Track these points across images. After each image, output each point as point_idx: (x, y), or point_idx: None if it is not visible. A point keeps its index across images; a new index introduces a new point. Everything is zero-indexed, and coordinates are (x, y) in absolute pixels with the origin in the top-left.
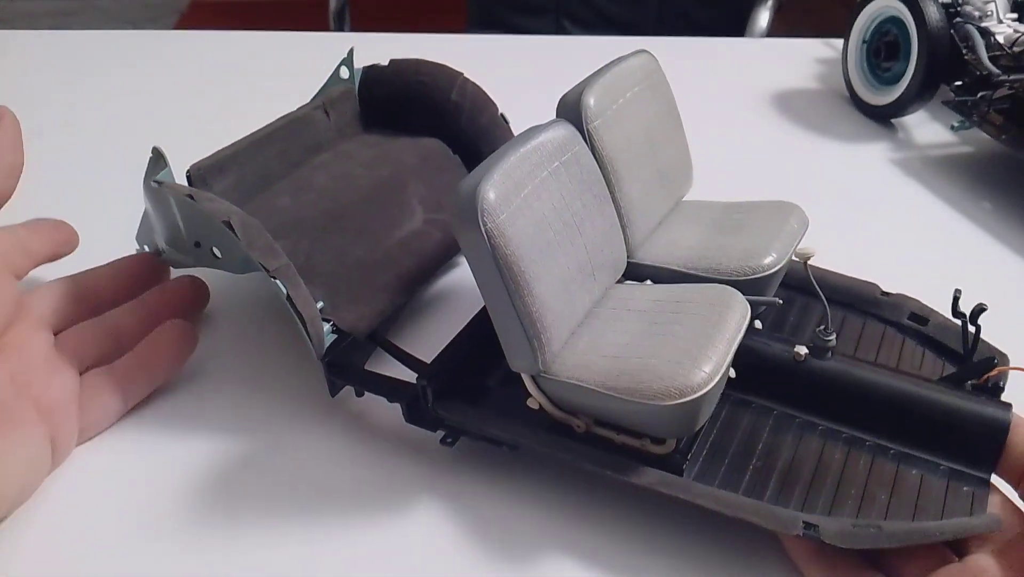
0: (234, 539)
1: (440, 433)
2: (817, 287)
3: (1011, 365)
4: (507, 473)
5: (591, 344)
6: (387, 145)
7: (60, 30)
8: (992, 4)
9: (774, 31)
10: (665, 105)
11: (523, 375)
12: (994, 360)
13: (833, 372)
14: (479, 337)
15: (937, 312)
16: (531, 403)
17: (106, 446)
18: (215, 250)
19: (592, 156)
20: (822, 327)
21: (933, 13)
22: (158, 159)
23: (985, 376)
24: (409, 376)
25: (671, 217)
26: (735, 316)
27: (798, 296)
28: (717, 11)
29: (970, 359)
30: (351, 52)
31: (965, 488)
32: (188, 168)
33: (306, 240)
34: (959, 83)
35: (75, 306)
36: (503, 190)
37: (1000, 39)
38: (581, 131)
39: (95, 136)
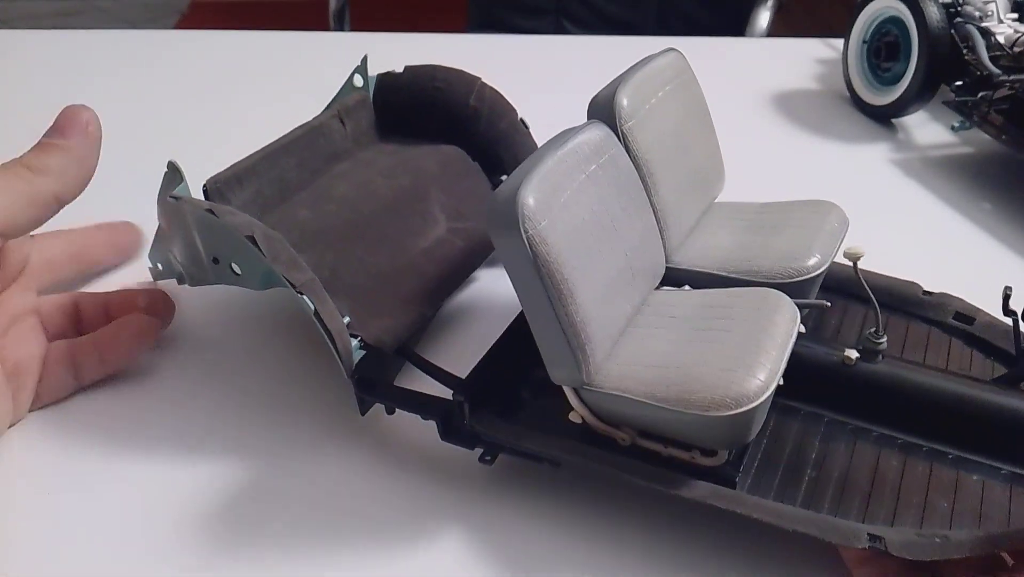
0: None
1: (477, 451)
2: (868, 288)
3: None
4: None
5: (635, 353)
6: (405, 153)
7: (60, 30)
8: (992, 4)
9: (774, 31)
10: (695, 104)
11: (565, 388)
12: None
13: (885, 376)
14: (515, 349)
15: (983, 311)
16: (573, 417)
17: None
18: (234, 266)
19: (628, 158)
20: (873, 329)
21: (933, 13)
22: (174, 173)
23: None
24: (442, 392)
25: (705, 219)
26: (784, 320)
27: (837, 297)
28: (717, 11)
29: (1022, 358)
30: (365, 60)
31: None
32: (205, 182)
33: (330, 252)
34: (959, 83)
35: (70, 265)
36: (542, 195)
37: (1000, 39)
38: (615, 132)
39: None
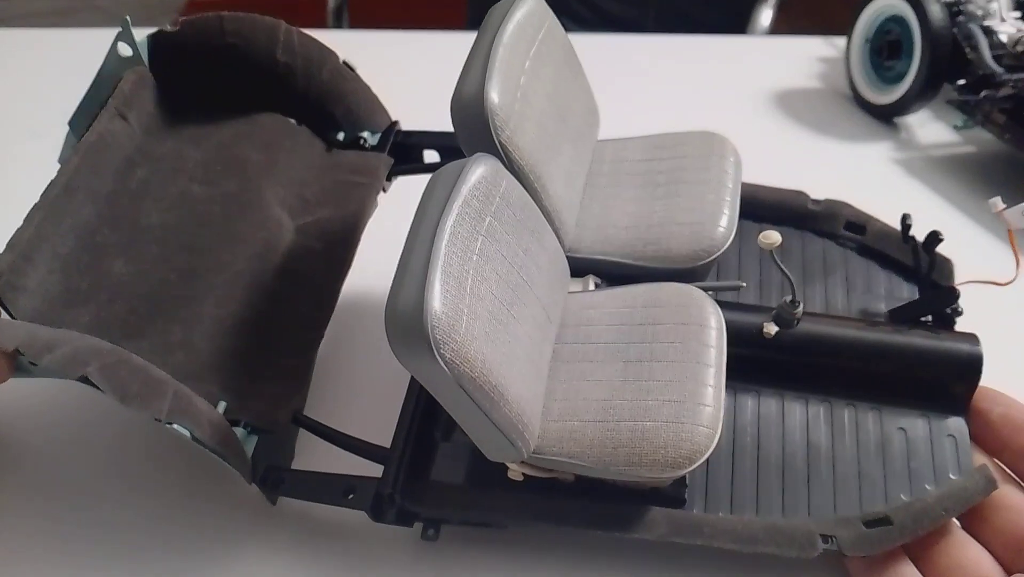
0: None
1: (414, 527)
2: (786, 271)
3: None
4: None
5: (572, 406)
6: (213, 138)
7: (59, 28)
8: (995, 3)
9: (776, 29)
10: (563, 51)
11: None
12: (957, 292)
13: (802, 339)
14: (426, 408)
15: (873, 218)
16: (513, 475)
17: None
18: (27, 361)
19: (517, 183)
20: (789, 298)
21: (936, 12)
22: None
23: (949, 306)
24: (351, 458)
25: (593, 178)
26: (715, 333)
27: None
28: (719, 9)
29: (927, 283)
30: (127, 23)
31: (947, 436)
32: None
33: (175, 323)
34: (962, 82)
35: None
36: (450, 298)
37: (1003, 38)
38: (490, 138)
39: None
